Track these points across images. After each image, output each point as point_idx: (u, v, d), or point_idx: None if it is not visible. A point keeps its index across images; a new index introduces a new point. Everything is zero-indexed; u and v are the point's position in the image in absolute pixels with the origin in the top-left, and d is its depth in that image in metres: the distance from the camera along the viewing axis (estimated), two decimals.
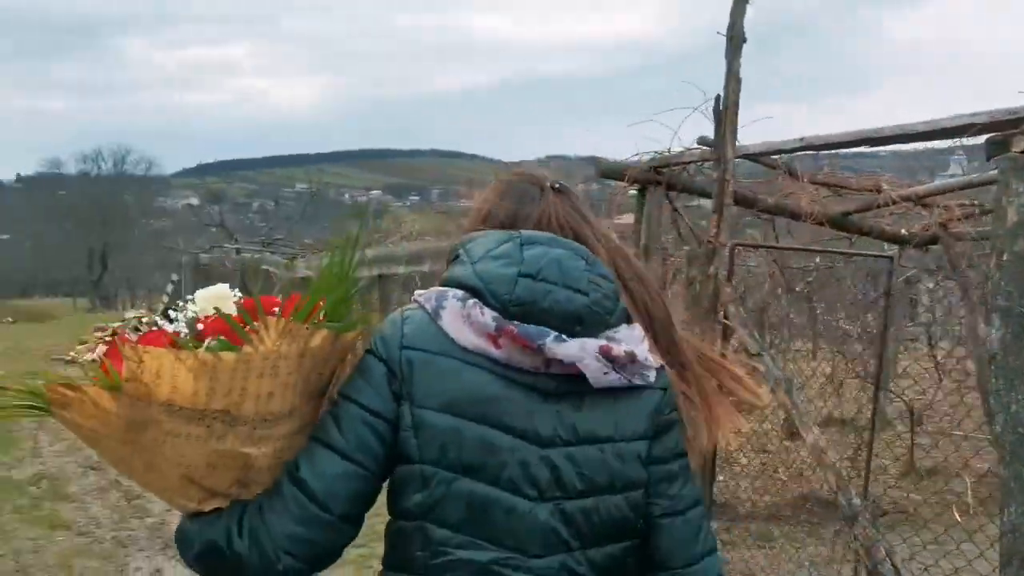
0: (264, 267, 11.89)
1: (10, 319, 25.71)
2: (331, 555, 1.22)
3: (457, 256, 1.29)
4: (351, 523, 1.22)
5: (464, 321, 1.21)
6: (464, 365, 1.20)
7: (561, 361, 1.19)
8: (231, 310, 1.18)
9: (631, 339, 1.24)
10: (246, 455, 1.17)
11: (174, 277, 17.84)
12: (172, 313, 1.23)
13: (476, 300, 1.21)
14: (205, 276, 16.18)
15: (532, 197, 1.37)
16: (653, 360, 1.26)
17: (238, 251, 14.43)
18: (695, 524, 1.30)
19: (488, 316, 1.19)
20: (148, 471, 1.21)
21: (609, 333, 1.23)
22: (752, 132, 3.86)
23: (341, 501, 1.19)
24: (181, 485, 1.20)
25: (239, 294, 1.24)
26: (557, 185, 1.38)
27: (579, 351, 1.18)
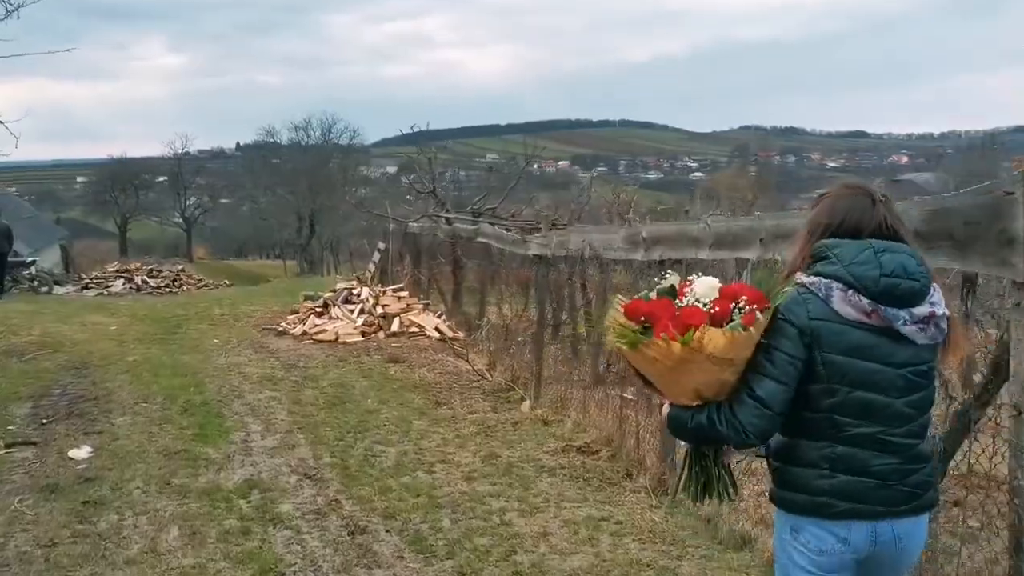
0: (482, 239, 10.50)
1: (227, 282, 26.46)
2: (772, 433, 2.22)
3: (826, 257, 2.16)
4: (782, 415, 2.17)
5: (847, 304, 2.11)
6: (849, 328, 2.12)
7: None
8: (715, 295, 2.14)
9: (940, 300, 2.16)
10: (728, 381, 2.17)
11: (381, 245, 17.02)
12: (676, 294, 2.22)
13: (853, 290, 2.10)
14: (414, 244, 15.23)
15: (867, 208, 2.20)
16: (947, 313, 2.16)
17: (448, 221, 13.22)
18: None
19: (865, 302, 2.10)
20: (673, 382, 2.22)
21: (930, 298, 2.14)
22: None
23: (778, 404, 2.15)
24: (688, 391, 2.21)
25: (719, 283, 2.18)
26: (882, 198, 2.23)
27: (914, 330, 2.11)
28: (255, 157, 55.12)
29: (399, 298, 12.91)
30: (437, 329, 12.02)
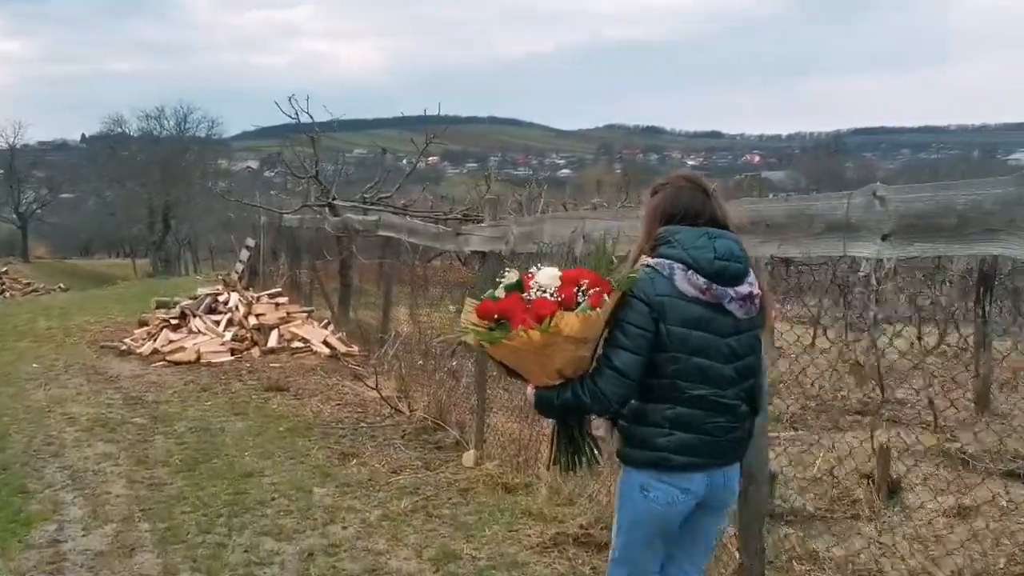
0: (385, 232, 8.27)
1: (62, 285, 22.64)
2: (630, 399, 2.38)
3: (668, 241, 2.39)
4: (638, 382, 2.34)
5: (687, 282, 2.33)
6: (688, 303, 2.34)
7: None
8: (558, 283, 2.29)
9: (754, 282, 2.42)
10: (585, 356, 2.34)
11: (250, 242, 14.36)
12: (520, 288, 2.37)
13: (692, 271, 2.33)
14: (292, 239, 12.72)
15: (702, 199, 2.47)
16: (759, 292, 2.44)
17: (335, 211, 10.86)
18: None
19: (701, 281, 2.33)
20: (537, 366, 2.36)
21: (748, 278, 2.40)
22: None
23: (634, 373, 2.33)
24: (551, 372, 2.35)
25: (559, 272, 2.33)
26: (713, 190, 2.51)
27: (736, 306, 2.37)
28: (100, 148, 49.80)
29: (277, 305, 10.45)
30: (326, 343, 9.66)
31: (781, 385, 5.75)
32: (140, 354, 9.42)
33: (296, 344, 9.57)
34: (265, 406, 7.25)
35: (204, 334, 9.72)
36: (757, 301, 2.41)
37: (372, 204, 11.85)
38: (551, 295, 2.26)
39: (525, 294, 2.30)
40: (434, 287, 8.88)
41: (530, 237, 4.73)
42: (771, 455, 3.89)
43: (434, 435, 6.19)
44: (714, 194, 2.50)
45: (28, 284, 19.01)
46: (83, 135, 72.04)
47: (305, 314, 10.71)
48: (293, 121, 11.66)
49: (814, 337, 9.01)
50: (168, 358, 9.08)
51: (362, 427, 6.52)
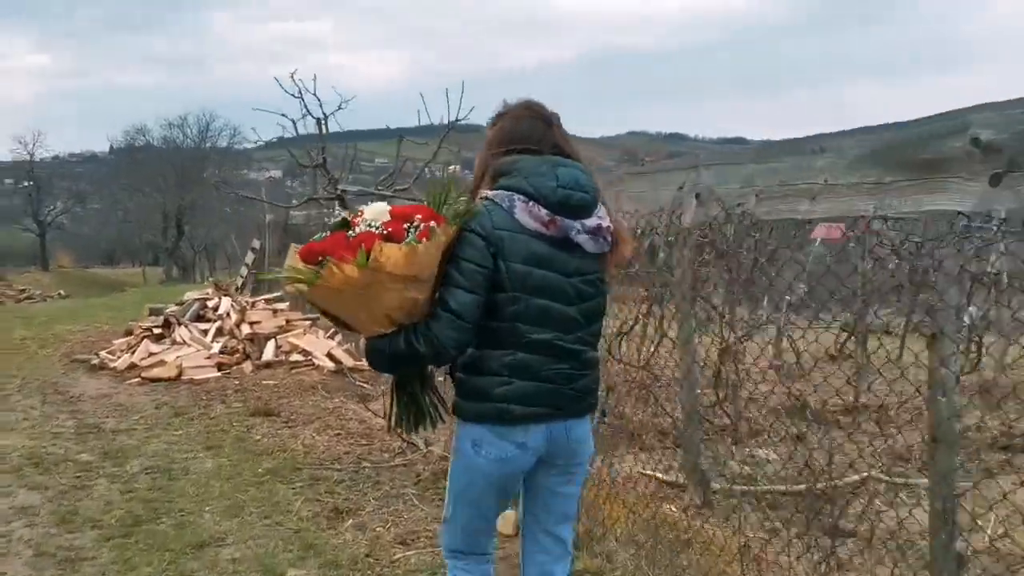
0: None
1: (61, 292, 21.34)
2: (468, 344, 2.10)
3: (509, 172, 2.13)
4: (475, 325, 2.06)
5: (528, 214, 2.07)
6: (530, 238, 2.08)
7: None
8: (387, 218, 2.02)
9: (604, 215, 2.18)
10: (418, 299, 2.02)
11: (255, 243, 12.93)
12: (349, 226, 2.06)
13: (533, 201, 2.07)
14: (296, 239, 11.24)
15: (543, 128, 2.21)
16: (611, 226, 2.18)
17: (345, 203, 9.34)
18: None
19: (543, 212, 2.07)
20: (363, 311, 2.05)
21: (597, 212, 2.15)
22: None
23: (471, 315, 2.04)
24: (380, 318, 2.04)
25: (388, 207, 2.07)
26: (555, 120, 2.23)
27: (585, 239, 2.12)
28: (124, 158, 49.20)
29: (275, 312, 8.96)
30: (330, 356, 8.15)
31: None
32: (114, 369, 7.95)
33: (295, 357, 8.06)
34: (246, 437, 5.73)
35: (189, 345, 8.24)
36: (608, 236, 2.19)
37: (388, 197, 10.37)
38: (377, 229, 2.00)
39: (351, 231, 2.04)
40: None
41: None
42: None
43: None
44: (558, 124, 2.26)
45: (23, 291, 17.71)
46: (111, 146, 71.75)
47: (308, 322, 9.21)
48: (311, 133, 10.26)
49: (902, 347, 7.37)
50: (144, 374, 7.60)
51: (364, 468, 4.97)
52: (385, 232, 1.98)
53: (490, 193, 2.13)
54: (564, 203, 2.08)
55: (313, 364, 8.01)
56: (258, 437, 5.70)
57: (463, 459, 2.20)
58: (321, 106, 10.41)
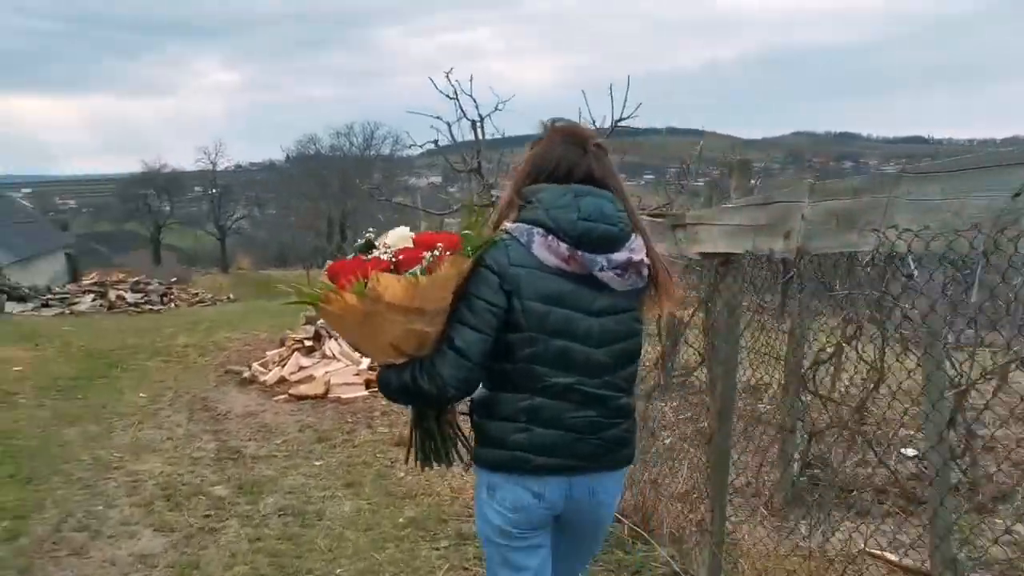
0: None
1: (231, 296, 22.08)
2: (475, 384, 1.94)
3: (531, 202, 1.94)
4: (482, 366, 1.90)
5: (547, 249, 1.88)
6: (549, 275, 1.89)
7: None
8: (410, 244, 1.91)
9: (639, 247, 1.96)
10: (426, 332, 1.87)
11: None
12: (374, 248, 1.93)
13: (553, 236, 1.88)
14: None
15: (577, 154, 1.98)
16: (646, 260, 1.97)
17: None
18: None
19: (563, 247, 1.88)
20: (368, 340, 1.94)
21: (628, 244, 1.94)
22: None
23: (477, 355, 1.88)
24: (386, 348, 1.91)
25: (412, 233, 1.95)
26: (594, 146, 2.00)
27: (611, 276, 1.91)
28: (296, 166, 51.81)
29: None
30: None
31: None
32: (263, 383, 7.62)
33: None
34: (389, 474, 5.10)
35: (338, 360, 7.82)
36: (644, 270, 1.97)
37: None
38: (389, 256, 1.89)
39: (369, 255, 1.92)
40: None
41: (852, 219, 2.23)
42: None
43: (633, 551, 3.79)
44: (595, 149, 2.00)
45: (195, 295, 18.37)
46: (287, 155, 76.06)
47: None
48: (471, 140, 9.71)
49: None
50: (292, 391, 7.21)
51: None
52: (395, 260, 1.88)
53: (509, 226, 1.96)
54: (586, 236, 1.91)
55: None
56: (401, 474, 5.06)
57: (480, 506, 2.07)
58: (477, 108, 9.85)
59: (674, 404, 6.19)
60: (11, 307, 15.23)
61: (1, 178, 77.69)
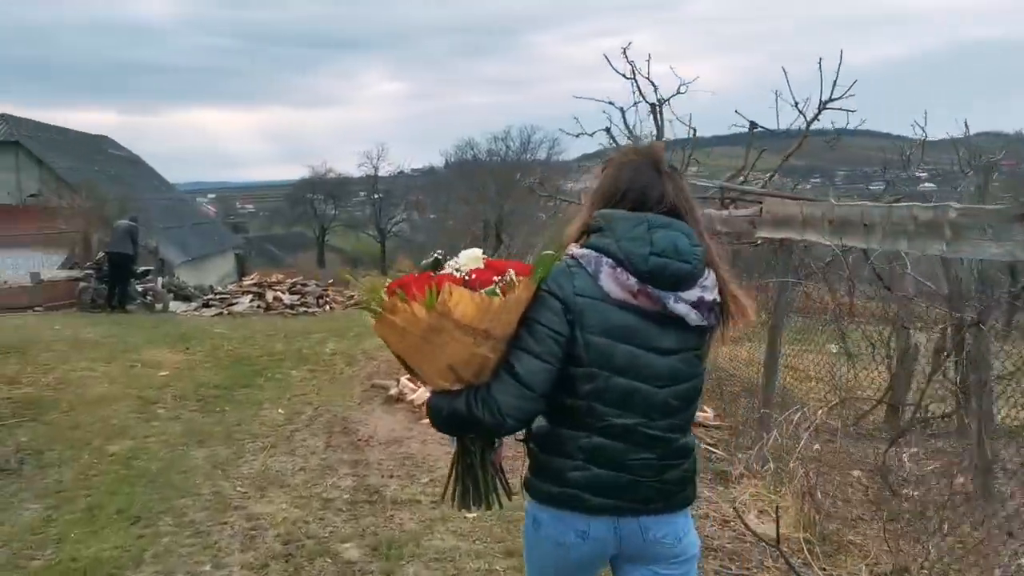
0: (782, 235, 4.59)
1: None
2: (534, 416, 1.84)
3: (601, 229, 1.82)
4: (544, 397, 1.78)
5: (614, 281, 1.77)
6: (614, 308, 1.77)
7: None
8: (478, 265, 1.81)
9: (711, 284, 1.83)
10: (488, 357, 1.75)
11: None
12: (442, 268, 1.83)
13: (621, 267, 1.77)
14: None
15: (652, 179, 1.86)
16: (718, 299, 1.84)
17: (729, 199, 7.50)
18: None
19: (632, 281, 1.77)
20: (426, 359, 1.78)
21: (701, 282, 1.81)
22: None
23: (539, 385, 1.76)
24: (444, 371, 1.77)
25: (484, 256, 1.84)
26: (669, 169, 1.89)
27: (686, 309, 1.78)
28: (454, 171, 52.52)
29: None
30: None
31: None
32: (411, 402, 6.69)
33: None
34: None
35: None
36: (716, 310, 1.85)
37: (737, 196, 8.29)
38: (460, 274, 1.80)
39: (437, 273, 1.83)
40: (872, 325, 5.06)
41: None
42: None
43: None
44: (670, 173, 1.90)
45: (351, 297, 18.02)
46: (446, 161, 77.77)
47: None
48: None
49: None
50: None
51: None
52: (468, 278, 1.77)
53: (577, 251, 1.84)
54: (658, 273, 1.78)
55: None
56: None
57: (527, 539, 1.96)
58: (656, 90, 8.58)
59: (912, 451, 4.80)
60: (176, 306, 15.38)
61: (190, 185, 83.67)
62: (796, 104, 8.44)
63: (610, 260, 1.78)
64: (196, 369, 8.50)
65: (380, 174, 55.54)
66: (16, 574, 3.64)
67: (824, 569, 3.48)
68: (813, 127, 9.04)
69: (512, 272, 1.77)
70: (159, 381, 7.85)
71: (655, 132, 8.27)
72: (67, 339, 10.29)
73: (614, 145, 8.89)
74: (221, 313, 14.54)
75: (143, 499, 4.56)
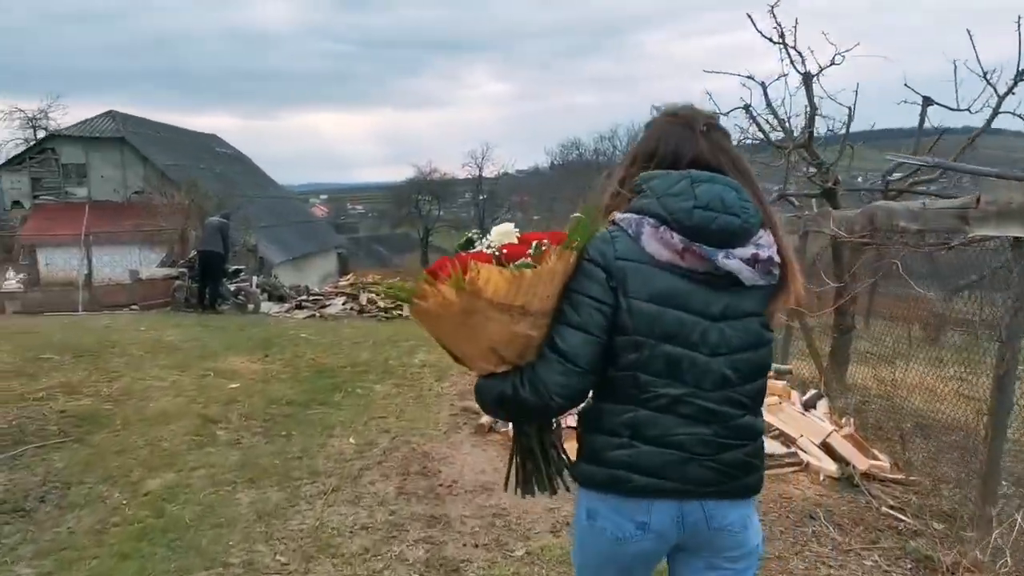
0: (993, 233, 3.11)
1: None
2: (583, 394, 1.67)
3: (642, 191, 1.68)
4: (593, 372, 1.64)
5: (658, 241, 1.62)
6: (659, 271, 1.62)
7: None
8: (510, 240, 1.68)
9: (768, 243, 1.66)
10: (530, 336, 1.64)
11: None
12: (476, 241, 1.72)
13: (665, 226, 1.61)
14: None
15: (685, 134, 1.72)
16: (776, 258, 1.66)
17: (833, 200, 6.05)
18: None
19: (676, 239, 1.61)
20: (466, 343, 1.67)
21: (755, 239, 1.64)
22: None
23: (584, 359, 1.62)
24: (486, 353, 1.66)
25: (517, 230, 1.70)
26: (704, 128, 1.73)
27: (739, 265, 1.61)
28: (559, 171, 51.64)
29: None
30: (827, 448, 4.86)
31: None
32: (506, 434, 5.52)
33: (775, 449, 4.87)
34: None
35: None
36: (774, 268, 1.67)
37: (907, 190, 6.81)
38: (491, 250, 1.69)
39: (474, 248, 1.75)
40: None
41: None
42: None
43: None
44: (705, 130, 1.74)
45: None
46: (551, 161, 77.00)
47: (782, 380, 5.97)
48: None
49: None
50: None
51: None
52: (499, 254, 1.66)
53: (617, 216, 1.71)
54: (703, 228, 1.63)
55: (799, 462, 4.76)
56: None
57: (578, 530, 1.79)
58: (804, 60, 7.12)
59: None
60: (268, 307, 14.77)
61: (304, 186, 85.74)
62: (985, 75, 6.82)
63: (652, 220, 1.65)
64: (271, 381, 7.60)
65: (485, 175, 55.07)
66: None
67: None
68: (970, 124, 7.47)
69: (546, 241, 1.67)
70: (227, 395, 6.97)
71: (808, 108, 6.81)
72: (146, 342, 9.65)
73: (755, 128, 7.46)
74: (313, 315, 13.80)
75: (164, 565, 3.55)
